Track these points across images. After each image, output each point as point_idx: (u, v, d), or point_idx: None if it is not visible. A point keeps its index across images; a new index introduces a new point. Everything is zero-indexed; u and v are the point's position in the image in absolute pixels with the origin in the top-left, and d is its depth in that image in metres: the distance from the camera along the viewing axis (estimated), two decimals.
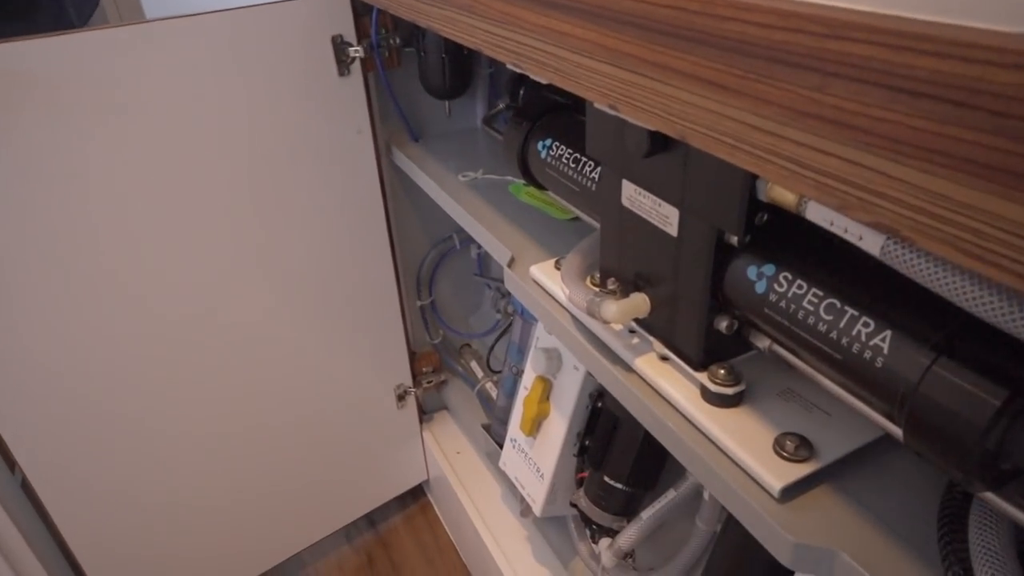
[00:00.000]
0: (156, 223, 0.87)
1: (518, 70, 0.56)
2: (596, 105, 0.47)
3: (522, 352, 0.99)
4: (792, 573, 0.59)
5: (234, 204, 0.92)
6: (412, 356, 1.23)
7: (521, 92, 0.91)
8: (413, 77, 1.02)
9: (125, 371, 0.92)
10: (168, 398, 0.97)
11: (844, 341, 0.40)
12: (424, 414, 1.33)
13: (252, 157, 0.91)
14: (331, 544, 1.31)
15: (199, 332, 0.96)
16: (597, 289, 0.59)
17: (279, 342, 1.04)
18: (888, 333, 0.38)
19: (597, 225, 0.65)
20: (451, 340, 1.35)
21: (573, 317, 0.63)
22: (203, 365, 0.99)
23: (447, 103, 1.04)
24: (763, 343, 0.50)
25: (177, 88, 0.82)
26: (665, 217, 0.50)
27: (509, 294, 1.20)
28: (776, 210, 0.45)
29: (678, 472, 0.79)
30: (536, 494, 0.91)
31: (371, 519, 1.35)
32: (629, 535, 0.83)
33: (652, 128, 0.44)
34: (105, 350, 0.89)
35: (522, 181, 0.90)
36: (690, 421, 0.51)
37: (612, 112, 0.45)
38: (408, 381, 1.23)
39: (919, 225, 0.28)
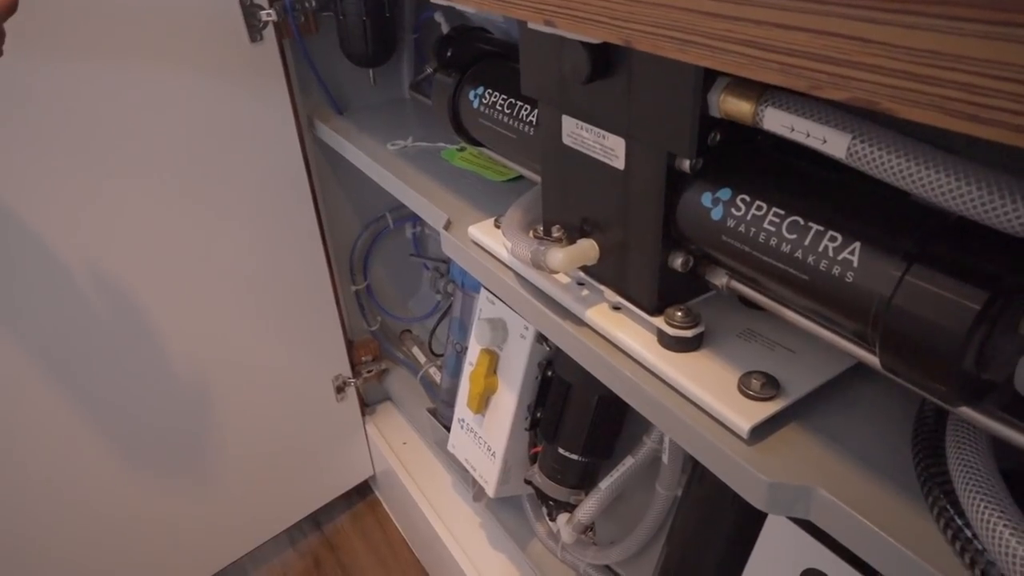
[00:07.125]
0: (60, 214, 0.79)
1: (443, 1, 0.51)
2: (530, 26, 0.42)
3: (465, 327, 0.94)
4: (758, 528, 0.57)
5: (141, 188, 0.84)
6: (349, 345, 1.17)
7: (448, 54, 0.86)
8: (333, 45, 0.95)
9: (40, 367, 0.83)
10: (90, 396, 0.89)
11: (811, 260, 0.37)
12: (366, 406, 1.26)
13: (157, 134, 0.83)
14: (274, 548, 1.24)
15: (120, 331, 0.88)
16: (541, 239, 0.55)
17: (206, 335, 0.97)
18: (857, 245, 0.36)
19: (537, 180, 0.61)
20: (390, 326, 1.29)
21: (517, 275, 0.59)
22: (128, 364, 0.91)
23: (371, 72, 0.98)
24: (720, 280, 0.47)
25: (67, 60, 0.73)
26: (610, 150, 0.46)
27: (448, 273, 1.15)
28: (729, 130, 0.42)
29: (634, 438, 0.76)
30: (488, 474, 0.86)
31: (316, 520, 1.28)
32: (588, 508, 0.79)
33: (595, 40, 0.40)
34: (21, 346, 0.81)
35: (455, 146, 0.85)
36: (649, 369, 0.48)
37: (548, 29, 0.41)
38: (347, 371, 1.16)
39: (900, 92, 0.25)
